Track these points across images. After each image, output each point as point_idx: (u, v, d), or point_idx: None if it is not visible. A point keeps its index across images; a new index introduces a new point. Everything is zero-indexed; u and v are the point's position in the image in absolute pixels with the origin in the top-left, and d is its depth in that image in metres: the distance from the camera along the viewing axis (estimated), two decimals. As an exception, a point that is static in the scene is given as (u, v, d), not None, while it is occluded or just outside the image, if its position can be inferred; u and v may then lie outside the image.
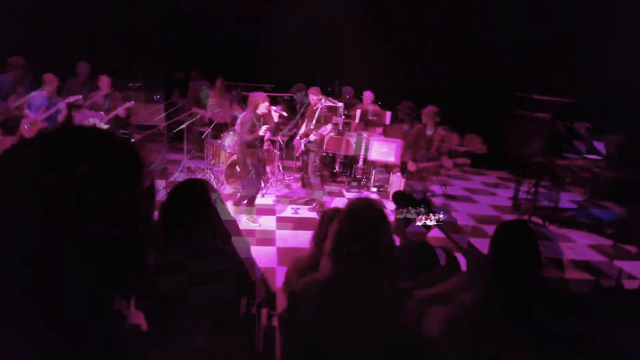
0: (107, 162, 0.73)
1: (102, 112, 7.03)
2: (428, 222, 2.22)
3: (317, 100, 6.94)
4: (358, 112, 8.46)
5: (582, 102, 6.90)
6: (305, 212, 6.87)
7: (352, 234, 1.89)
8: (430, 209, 2.30)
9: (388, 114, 8.55)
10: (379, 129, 8.34)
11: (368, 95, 8.74)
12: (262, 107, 5.82)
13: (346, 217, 1.93)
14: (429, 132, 6.73)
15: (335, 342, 1.84)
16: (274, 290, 2.68)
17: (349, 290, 1.87)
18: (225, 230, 2.20)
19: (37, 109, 6.50)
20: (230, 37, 10.31)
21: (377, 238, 1.89)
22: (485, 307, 1.65)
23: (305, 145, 7.01)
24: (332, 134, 7.67)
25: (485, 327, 1.60)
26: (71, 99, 6.56)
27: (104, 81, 7.27)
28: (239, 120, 7.60)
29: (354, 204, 2.00)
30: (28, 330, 0.67)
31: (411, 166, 6.63)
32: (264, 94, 5.96)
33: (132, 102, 7.38)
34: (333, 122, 8.38)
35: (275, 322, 2.58)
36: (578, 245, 6.20)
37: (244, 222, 6.13)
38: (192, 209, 2.03)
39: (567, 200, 8.03)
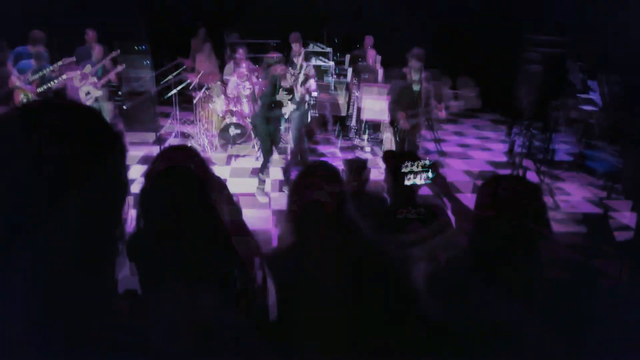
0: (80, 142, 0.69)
1: (88, 65, 6.85)
2: (417, 181, 2.20)
3: (299, 48, 6.65)
4: (349, 70, 8.30)
5: (577, 42, 6.73)
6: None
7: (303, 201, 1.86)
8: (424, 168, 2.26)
9: (381, 72, 8.41)
10: (380, 72, 8.18)
11: (369, 41, 8.53)
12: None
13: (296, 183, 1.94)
14: (415, 88, 6.46)
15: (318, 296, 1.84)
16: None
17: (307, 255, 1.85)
18: (234, 204, 2.16)
19: (23, 71, 6.36)
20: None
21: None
22: (469, 263, 1.64)
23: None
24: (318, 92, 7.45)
25: (468, 283, 1.59)
26: (65, 60, 6.41)
27: (90, 35, 7.13)
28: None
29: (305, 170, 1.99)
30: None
31: (403, 124, 6.41)
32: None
33: (124, 65, 7.24)
34: (325, 81, 8.27)
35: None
36: (573, 198, 6.22)
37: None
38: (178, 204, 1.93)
39: (560, 140, 7.93)
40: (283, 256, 1.95)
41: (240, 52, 7.39)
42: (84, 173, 0.68)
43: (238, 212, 2.20)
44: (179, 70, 7.74)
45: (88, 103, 6.83)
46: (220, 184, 2.13)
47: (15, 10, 7.59)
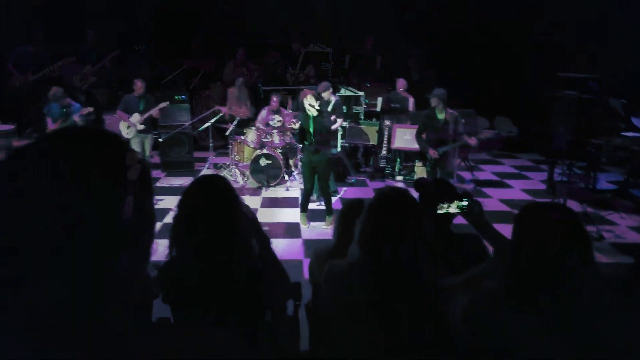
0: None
1: (137, 113, 7.14)
2: (451, 210, 2.10)
3: (329, 94, 6.83)
4: (379, 99, 8.30)
5: (612, 79, 6.58)
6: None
7: (378, 223, 1.88)
8: (459, 197, 2.18)
9: (411, 101, 8.37)
10: (410, 101, 8.15)
11: (402, 83, 8.56)
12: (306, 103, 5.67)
13: (375, 206, 1.92)
14: (440, 117, 6.41)
15: (358, 329, 1.80)
16: (298, 281, 2.64)
17: (375, 276, 1.86)
18: (262, 233, 2.18)
19: (54, 120, 6.66)
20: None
21: (405, 227, 1.86)
22: (507, 294, 1.54)
23: None
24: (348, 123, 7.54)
25: (506, 315, 1.49)
26: (84, 111, 6.68)
27: (138, 85, 7.40)
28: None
29: (383, 193, 1.98)
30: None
31: (432, 152, 6.34)
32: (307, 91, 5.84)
33: (167, 102, 7.51)
34: (354, 110, 8.29)
35: (300, 313, 2.56)
36: (619, 228, 5.92)
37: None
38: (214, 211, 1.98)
39: (605, 181, 7.68)
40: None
41: (275, 100, 7.66)
42: (107, 202, 0.68)
43: (267, 241, 2.18)
44: (216, 117, 7.97)
45: (130, 136, 7.11)
46: (249, 214, 2.13)
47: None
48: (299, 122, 5.79)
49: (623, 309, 1.65)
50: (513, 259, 1.58)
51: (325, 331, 2.00)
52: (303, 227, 5.96)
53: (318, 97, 6.51)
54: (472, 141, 6.24)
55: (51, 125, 6.73)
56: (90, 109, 6.71)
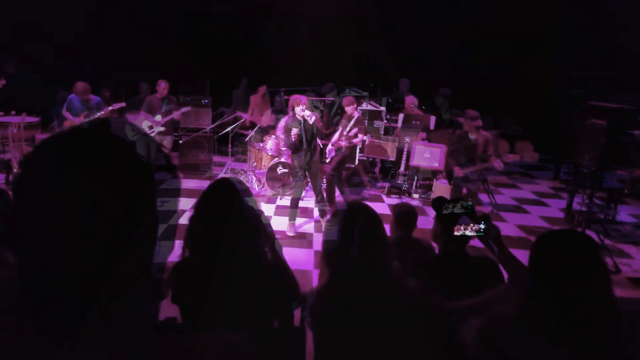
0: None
1: (159, 115, 7.25)
2: (467, 232, 2.07)
3: (353, 109, 6.83)
4: (401, 116, 8.29)
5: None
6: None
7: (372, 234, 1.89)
8: (474, 218, 2.15)
9: (432, 119, 8.34)
10: (423, 134, 8.13)
11: (410, 100, 8.55)
12: (298, 110, 5.71)
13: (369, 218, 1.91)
14: (471, 137, 6.44)
15: (355, 342, 1.78)
16: (305, 291, 2.62)
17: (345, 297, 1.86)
18: (269, 235, 2.17)
19: (77, 113, 6.81)
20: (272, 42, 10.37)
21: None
22: (523, 320, 1.50)
23: (335, 152, 6.93)
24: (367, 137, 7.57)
25: (521, 340, 1.46)
26: (115, 106, 6.79)
27: (162, 85, 7.50)
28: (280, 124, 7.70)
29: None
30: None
31: (458, 171, 6.36)
32: (301, 96, 5.87)
33: (189, 107, 7.63)
34: (375, 125, 8.29)
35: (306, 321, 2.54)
36: (636, 262, 5.77)
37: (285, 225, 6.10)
38: (223, 212, 1.97)
39: (625, 213, 7.53)
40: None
41: (303, 102, 7.66)
42: (113, 200, 0.68)
43: (279, 248, 2.17)
44: (237, 123, 8.05)
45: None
46: (264, 219, 2.13)
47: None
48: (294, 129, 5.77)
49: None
50: (531, 286, 1.54)
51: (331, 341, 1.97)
52: (290, 222, 6.05)
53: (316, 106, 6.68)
54: (498, 164, 6.22)
55: (74, 120, 6.87)
56: (120, 104, 6.85)
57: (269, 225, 2.24)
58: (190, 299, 2.00)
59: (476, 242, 2.30)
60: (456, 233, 2.07)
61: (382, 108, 8.55)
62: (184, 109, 7.48)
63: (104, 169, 0.68)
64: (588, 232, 5.79)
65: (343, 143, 6.74)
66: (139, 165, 0.73)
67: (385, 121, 8.47)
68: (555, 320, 1.49)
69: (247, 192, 2.07)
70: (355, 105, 6.91)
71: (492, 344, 1.57)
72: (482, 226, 2.01)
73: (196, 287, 1.95)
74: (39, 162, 0.68)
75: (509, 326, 1.58)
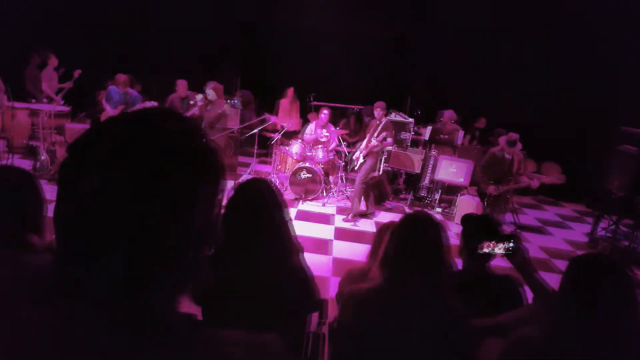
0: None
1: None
2: (496, 250, 2.06)
3: (381, 114, 6.83)
4: (428, 129, 8.26)
5: None
6: (365, 224, 6.76)
7: (401, 248, 1.85)
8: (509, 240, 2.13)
9: (461, 134, 8.29)
10: (460, 134, 8.07)
11: (448, 115, 8.50)
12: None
13: (398, 230, 1.88)
14: (507, 156, 6.45)
15: (378, 354, 1.78)
16: (324, 298, 2.63)
17: (392, 303, 1.82)
18: (293, 243, 2.15)
19: (115, 104, 7.00)
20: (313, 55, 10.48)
21: (427, 255, 1.82)
22: (551, 345, 1.49)
23: (363, 158, 6.92)
24: (393, 148, 7.57)
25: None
26: (148, 104, 6.94)
27: (181, 85, 7.63)
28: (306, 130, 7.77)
29: (409, 218, 1.95)
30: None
31: (492, 189, 6.35)
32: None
33: (201, 96, 7.68)
34: (402, 137, 8.27)
35: (324, 330, 2.54)
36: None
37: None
38: (250, 212, 1.96)
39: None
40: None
41: (325, 113, 7.72)
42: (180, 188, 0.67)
43: (300, 251, 2.17)
44: (264, 125, 8.12)
45: None
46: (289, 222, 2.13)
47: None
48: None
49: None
50: (560, 310, 1.53)
51: (350, 352, 1.98)
52: None
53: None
54: (535, 183, 6.21)
55: (111, 111, 7.05)
56: (152, 103, 7.00)
57: (292, 226, 2.22)
58: (210, 297, 1.98)
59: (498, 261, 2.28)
60: (484, 250, 2.06)
61: (410, 119, 8.53)
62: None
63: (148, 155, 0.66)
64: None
65: (375, 142, 6.71)
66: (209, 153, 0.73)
67: (413, 133, 8.44)
68: (582, 345, 1.48)
69: (280, 196, 2.04)
70: (384, 112, 6.91)
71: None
72: (511, 245, 2.00)
73: (214, 285, 1.94)
74: (86, 149, 0.68)
75: (535, 349, 1.56)
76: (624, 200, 6.30)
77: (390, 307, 1.81)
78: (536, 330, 1.56)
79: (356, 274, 2.57)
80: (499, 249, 2.00)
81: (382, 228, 2.63)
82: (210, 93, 7.50)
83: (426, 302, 1.79)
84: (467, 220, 2.30)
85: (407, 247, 1.82)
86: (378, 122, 6.83)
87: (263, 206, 1.95)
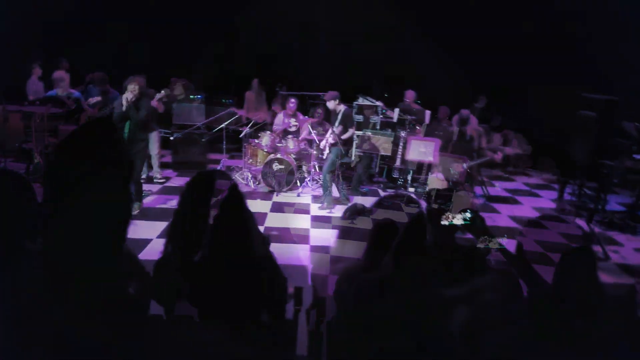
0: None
1: None
2: (454, 221, 2.16)
3: (335, 104, 6.86)
4: (396, 110, 8.36)
5: (630, 101, 6.57)
6: (341, 211, 6.85)
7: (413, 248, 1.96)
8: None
9: (427, 113, 8.42)
10: (427, 114, 8.20)
11: (410, 94, 8.61)
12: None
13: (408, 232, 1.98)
14: (468, 133, 6.68)
15: (380, 342, 1.84)
16: (323, 296, 2.67)
17: (398, 292, 1.89)
18: (257, 234, 2.15)
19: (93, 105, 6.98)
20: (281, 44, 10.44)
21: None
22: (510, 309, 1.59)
23: (329, 148, 6.98)
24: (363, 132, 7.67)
25: (508, 328, 1.55)
26: (91, 100, 6.96)
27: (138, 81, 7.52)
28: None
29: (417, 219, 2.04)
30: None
31: (457, 167, 6.56)
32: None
33: (163, 92, 7.56)
34: (371, 120, 8.36)
35: (322, 327, 2.58)
36: (624, 249, 5.90)
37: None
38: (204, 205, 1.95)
39: (615, 202, 7.67)
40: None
41: (293, 102, 7.80)
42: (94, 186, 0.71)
43: (265, 241, 2.20)
44: (231, 119, 8.09)
45: None
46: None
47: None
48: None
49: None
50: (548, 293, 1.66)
51: (350, 348, 2.02)
52: None
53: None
54: (498, 156, 6.41)
55: (91, 111, 6.98)
56: (97, 99, 6.93)
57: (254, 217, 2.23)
58: (172, 295, 1.97)
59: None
60: (444, 222, 2.16)
61: (379, 103, 8.62)
62: (159, 95, 7.30)
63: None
64: (578, 221, 5.91)
65: (332, 141, 6.79)
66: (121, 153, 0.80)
67: (381, 116, 8.54)
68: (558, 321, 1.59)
69: (237, 187, 2.02)
70: (337, 101, 6.82)
71: (477, 333, 1.65)
72: (468, 215, 2.10)
73: (179, 282, 1.93)
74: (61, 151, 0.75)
75: (496, 313, 1.66)
76: (586, 165, 6.55)
77: (394, 294, 1.89)
78: (497, 295, 1.67)
79: (354, 272, 2.62)
80: (458, 219, 2.11)
81: (381, 226, 2.67)
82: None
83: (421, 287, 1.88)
84: (429, 196, 2.40)
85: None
86: (337, 112, 6.87)
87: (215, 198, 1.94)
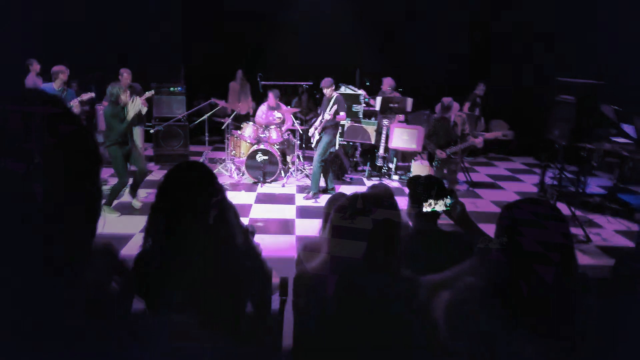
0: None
1: None
2: (436, 207, 2.18)
3: (331, 91, 6.87)
4: (378, 99, 8.37)
5: (609, 84, 6.66)
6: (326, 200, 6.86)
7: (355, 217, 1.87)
8: (448, 196, 2.24)
9: (409, 101, 8.44)
10: (401, 117, 8.24)
11: (387, 82, 8.63)
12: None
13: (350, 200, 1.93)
14: (450, 120, 6.75)
15: (339, 327, 1.84)
16: (285, 277, 2.67)
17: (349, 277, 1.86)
18: (238, 225, 2.12)
19: None
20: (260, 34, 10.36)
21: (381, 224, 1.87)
22: (488, 292, 1.60)
23: (319, 134, 6.98)
24: (347, 121, 7.68)
25: (488, 313, 1.55)
26: (84, 96, 6.64)
27: (125, 75, 7.38)
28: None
29: (374, 191, 2.00)
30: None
31: (441, 153, 6.64)
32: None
33: (152, 91, 7.48)
34: (354, 109, 8.36)
35: (285, 307, 2.59)
36: (605, 231, 6.02)
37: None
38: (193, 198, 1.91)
39: (595, 185, 7.81)
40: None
41: (270, 95, 7.84)
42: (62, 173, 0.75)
43: (247, 233, 2.19)
44: (213, 110, 8.03)
45: None
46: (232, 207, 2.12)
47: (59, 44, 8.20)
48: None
49: (601, 309, 1.72)
50: (496, 258, 1.61)
51: (313, 327, 2.02)
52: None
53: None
54: (479, 141, 6.48)
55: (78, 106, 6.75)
56: (89, 95, 6.71)
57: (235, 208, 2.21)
58: (153, 290, 1.94)
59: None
60: (426, 209, 2.17)
61: (361, 91, 8.61)
62: (147, 94, 7.23)
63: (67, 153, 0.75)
64: (559, 204, 6.00)
65: (328, 117, 6.76)
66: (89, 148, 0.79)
67: (364, 105, 8.54)
68: (517, 293, 1.57)
69: (215, 179, 1.99)
70: (333, 88, 6.95)
71: (459, 317, 1.65)
72: (448, 201, 2.12)
73: (160, 276, 1.90)
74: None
75: (475, 299, 1.67)
76: (566, 149, 6.63)
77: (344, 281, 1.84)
78: (477, 279, 1.68)
79: (310, 250, 2.62)
80: (439, 205, 2.12)
81: (330, 200, 2.65)
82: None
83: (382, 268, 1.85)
84: (411, 182, 2.40)
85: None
86: (329, 98, 6.88)
87: (196, 191, 1.90)
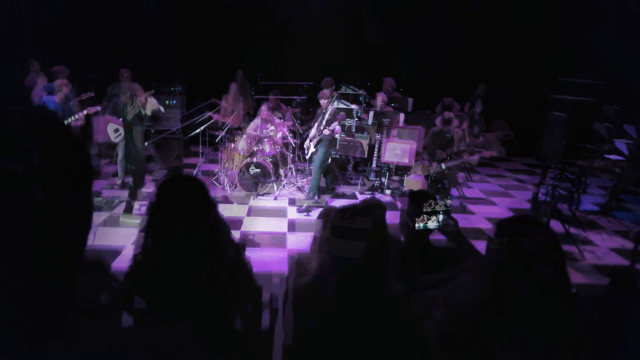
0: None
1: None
2: (429, 224, 2.15)
3: (327, 102, 6.87)
4: (379, 99, 8.37)
5: (609, 85, 6.70)
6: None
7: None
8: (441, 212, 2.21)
9: (410, 101, 8.45)
10: (401, 117, 8.23)
11: (388, 82, 8.63)
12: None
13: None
14: (447, 135, 6.78)
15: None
16: (276, 293, 2.64)
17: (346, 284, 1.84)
18: (229, 240, 2.12)
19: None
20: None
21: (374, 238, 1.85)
22: (484, 309, 1.57)
23: (315, 147, 6.96)
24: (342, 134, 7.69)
25: (482, 329, 1.53)
26: (84, 96, 6.62)
27: (125, 75, 7.39)
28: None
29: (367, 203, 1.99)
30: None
31: (435, 167, 6.67)
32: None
33: (152, 91, 7.42)
34: (347, 123, 8.36)
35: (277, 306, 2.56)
36: (599, 249, 6.00)
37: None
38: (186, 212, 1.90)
39: (589, 202, 7.82)
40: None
41: (264, 108, 7.72)
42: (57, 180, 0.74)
43: (238, 248, 2.16)
44: (213, 111, 7.99)
45: (117, 140, 7.17)
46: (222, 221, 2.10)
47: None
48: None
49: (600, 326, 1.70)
50: (490, 276, 1.60)
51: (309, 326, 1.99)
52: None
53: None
54: (474, 159, 6.51)
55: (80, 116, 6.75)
56: (95, 108, 6.70)
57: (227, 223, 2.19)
58: (148, 293, 1.93)
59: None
60: (418, 225, 2.14)
61: (354, 106, 8.62)
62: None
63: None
64: (553, 222, 6.00)
65: (327, 132, 6.73)
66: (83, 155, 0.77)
67: (357, 119, 8.54)
68: (511, 307, 1.55)
69: (208, 193, 1.99)
70: (329, 100, 6.91)
71: (452, 334, 1.63)
72: (441, 217, 2.09)
73: (148, 290, 1.90)
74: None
75: (470, 316, 1.64)
76: (558, 168, 6.64)
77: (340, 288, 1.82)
78: (470, 296, 1.65)
79: (301, 265, 2.59)
80: (432, 222, 2.09)
81: (322, 214, 2.63)
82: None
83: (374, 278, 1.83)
84: (412, 197, 2.38)
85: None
86: (324, 111, 6.86)
87: (188, 205, 1.90)
